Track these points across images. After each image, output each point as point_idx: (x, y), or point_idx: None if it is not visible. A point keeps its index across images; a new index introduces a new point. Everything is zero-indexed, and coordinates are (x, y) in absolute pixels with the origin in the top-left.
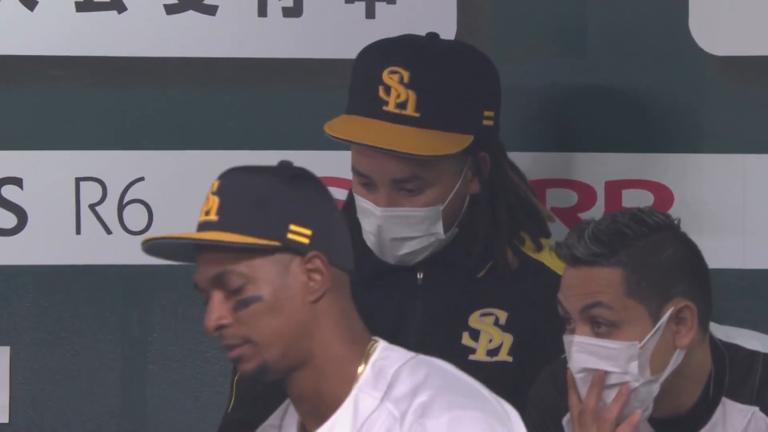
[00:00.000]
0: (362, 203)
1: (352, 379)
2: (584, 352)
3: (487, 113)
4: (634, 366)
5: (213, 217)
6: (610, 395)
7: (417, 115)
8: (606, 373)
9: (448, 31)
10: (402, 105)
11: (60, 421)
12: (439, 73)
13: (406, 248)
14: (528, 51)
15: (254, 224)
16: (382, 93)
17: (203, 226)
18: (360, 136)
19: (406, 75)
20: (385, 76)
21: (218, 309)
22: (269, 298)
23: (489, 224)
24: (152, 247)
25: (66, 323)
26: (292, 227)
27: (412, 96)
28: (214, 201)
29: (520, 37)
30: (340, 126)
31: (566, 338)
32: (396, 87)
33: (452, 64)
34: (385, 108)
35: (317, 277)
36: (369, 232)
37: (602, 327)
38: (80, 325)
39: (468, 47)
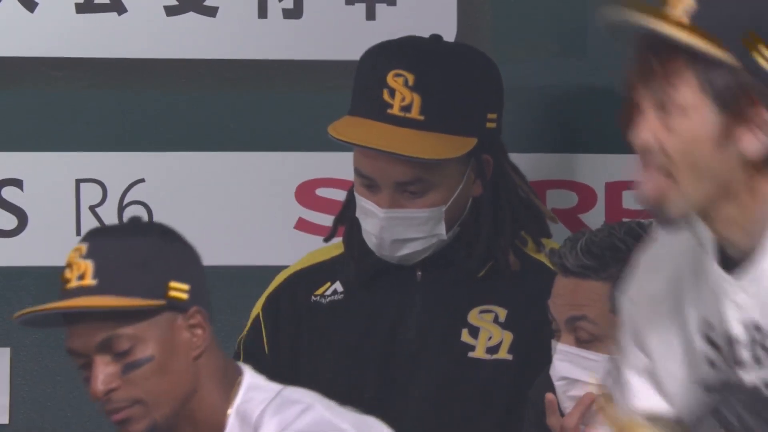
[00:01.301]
0: (364, 204)
1: (223, 426)
2: (566, 361)
3: (490, 115)
4: None
5: (89, 281)
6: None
7: (422, 118)
8: (586, 384)
9: (448, 31)
10: (407, 108)
11: (60, 423)
12: (444, 76)
13: (407, 249)
14: (528, 51)
15: (135, 285)
16: (386, 96)
17: (79, 292)
18: (365, 139)
19: (410, 78)
20: (390, 78)
21: (105, 373)
22: (158, 357)
23: (491, 226)
24: (29, 319)
25: None
26: (172, 284)
27: (416, 99)
28: (87, 265)
29: (520, 38)
30: (345, 128)
31: (553, 343)
32: (401, 90)
33: (456, 66)
34: (389, 111)
35: (199, 332)
36: (370, 232)
37: (585, 339)
38: None
39: (471, 49)
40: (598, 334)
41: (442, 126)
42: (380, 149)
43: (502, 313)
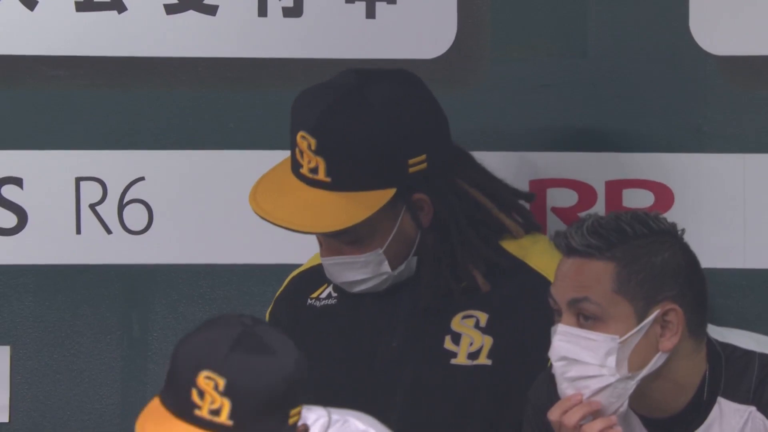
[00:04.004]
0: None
1: None
2: (565, 341)
3: (413, 160)
4: (611, 360)
5: (323, 177)
6: (588, 385)
7: (328, 180)
8: (585, 364)
9: (447, 31)
10: (314, 170)
11: (60, 421)
12: (349, 137)
13: (360, 287)
14: (528, 50)
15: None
16: (298, 155)
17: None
18: (270, 209)
19: (313, 143)
20: (299, 139)
21: None
22: None
23: (435, 258)
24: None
25: (66, 323)
26: None
27: (321, 163)
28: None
29: (520, 37)
30: (263, 190)
31: (553, 329)
32: (306, 153)
33: (366, 121)
34: (301, 171)
35: None
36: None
37: (587, 320)
38: (80, 324)
39: (398, 88)
40: (600, 314)
41: (350, 185)
42: (282, 226)
43: (483, 318)
